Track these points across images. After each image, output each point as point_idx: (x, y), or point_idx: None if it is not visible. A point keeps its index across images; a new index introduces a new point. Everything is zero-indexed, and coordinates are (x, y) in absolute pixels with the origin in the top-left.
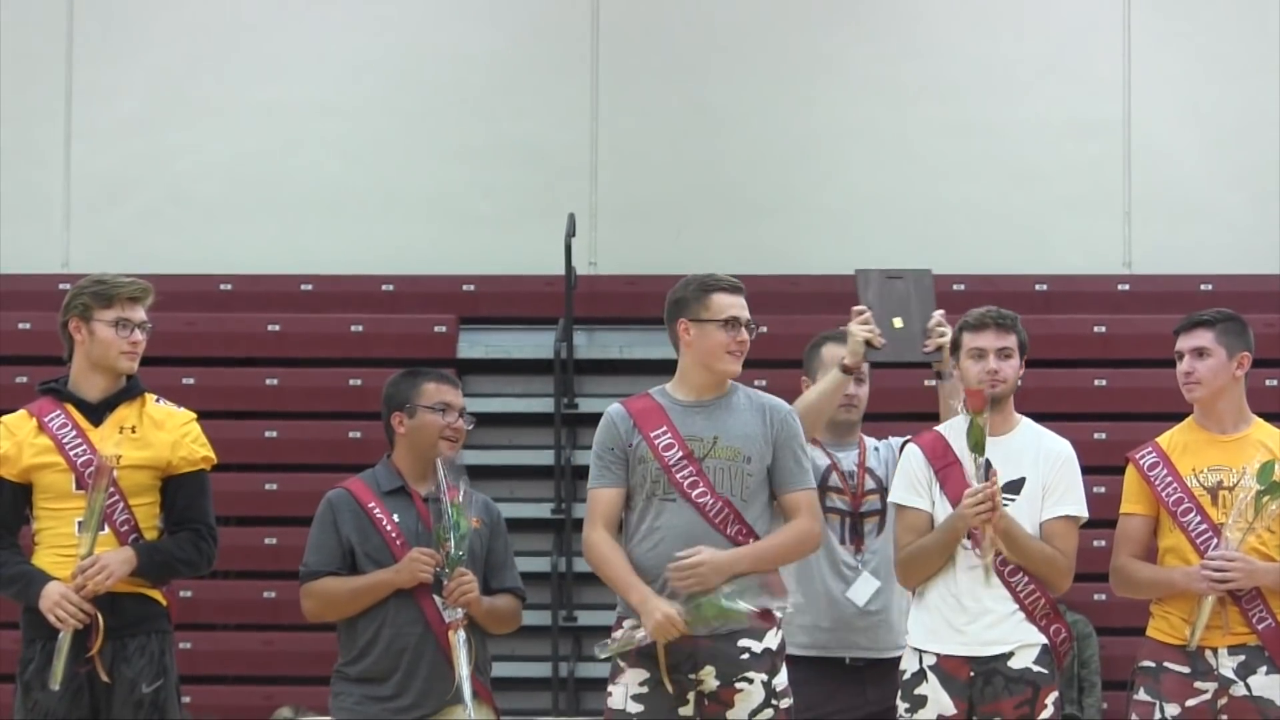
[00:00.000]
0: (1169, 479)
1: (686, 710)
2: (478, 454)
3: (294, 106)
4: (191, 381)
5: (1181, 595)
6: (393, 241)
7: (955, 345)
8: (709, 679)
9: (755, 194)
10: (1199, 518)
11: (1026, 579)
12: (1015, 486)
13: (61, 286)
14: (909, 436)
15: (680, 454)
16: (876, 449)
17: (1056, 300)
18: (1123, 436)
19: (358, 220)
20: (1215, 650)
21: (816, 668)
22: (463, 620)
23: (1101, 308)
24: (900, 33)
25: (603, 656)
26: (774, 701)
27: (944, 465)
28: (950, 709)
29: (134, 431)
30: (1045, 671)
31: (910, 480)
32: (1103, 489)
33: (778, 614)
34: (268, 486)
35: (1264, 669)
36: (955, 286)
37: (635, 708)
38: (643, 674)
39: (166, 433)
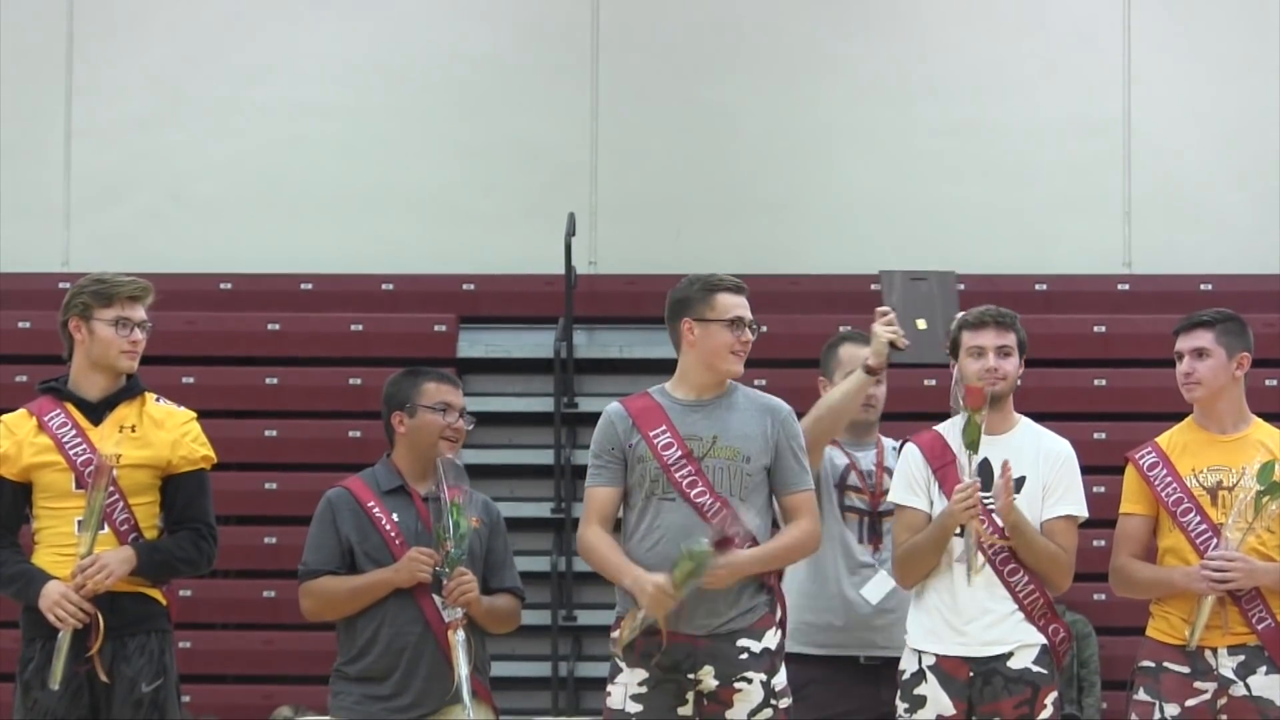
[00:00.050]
0: (1168, 479)
1: (685, 710)
2: (477, 453)
3: (294, 105)
4: (191, 380)
5: (1181, 595)
6: (393, 241)
7: (955, 344)
8: (708, 679)
9: (756, 193)
10: (1198, 518)
11: (1026, 578)
12: (1015, 485)
13: (61, 285)
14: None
15: (679, 453)
16: (895, 449)
17: (1057, 300)
18: (1122, 436)
19: (358, 219)
20: (1215, 650)
21: (831, 667)
22: (462, 620)
23: (1101, 308)
24: (900, 32)
25: (619, 649)
26: (773, 701)
27: (942, 465)
28: (949, 709)
29: (134, 431)
30: (1044, 671)
31: (908, 479)
32: (1102, 489)
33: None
34: (267, 486)
35: (1264, 669)
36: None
37: (634, 707)
38: (642, 674)
39: (166, 432)
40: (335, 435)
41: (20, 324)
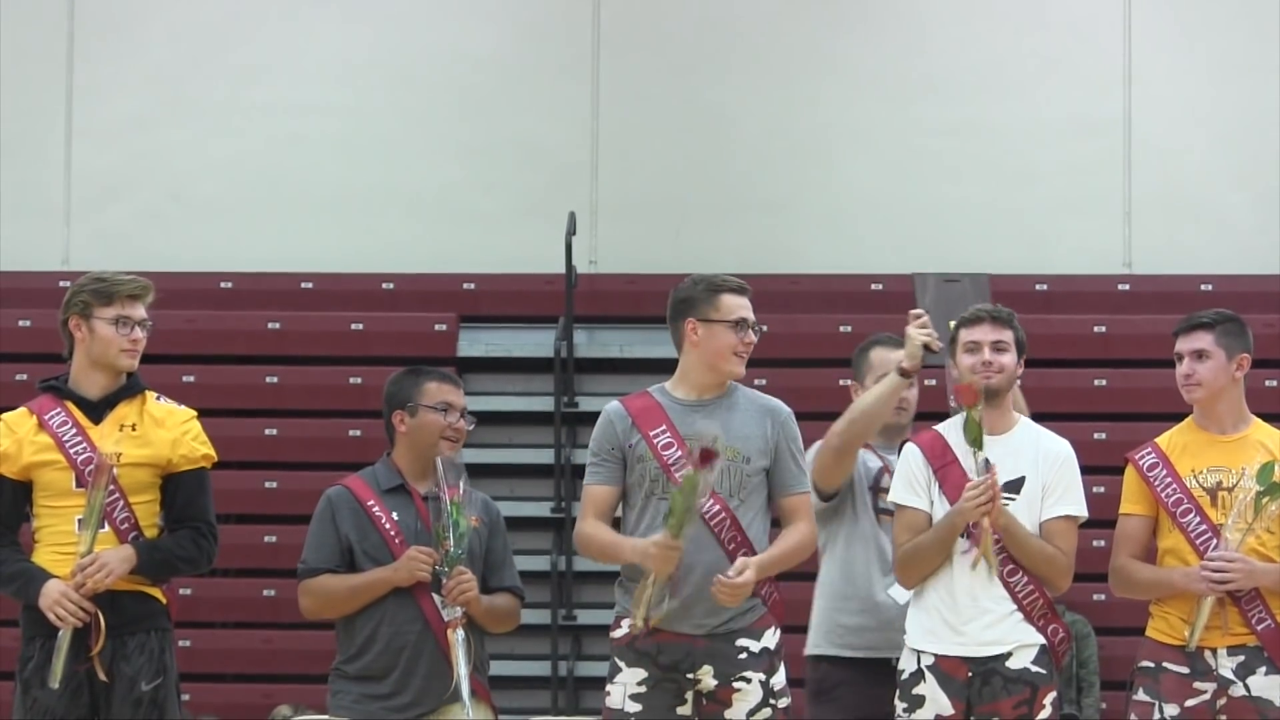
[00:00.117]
0: (1168, 479)
1: (684, 710)
2: (477, 452)
3: (294, 105)
4: (192, 379)
5: (1181, 596)
6: (393, 240)
7: (952, 343)
8: (706, 678)
9: (756, 193)
10: (1198, 518)
11: (1025, 579)
12: (1015, 486)
13: (62, 284)
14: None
15: (679, 453)
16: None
17: (1056, 300)
18: (1122, 437)
19: (358, 218)
20: (1214, 651)
21: (863, 668)
22: (461, 619)
23: (1101, 308)
24: (901, 32)
25: (640, 622)
26: (772, 701)
27: (942, 465)
28: (948, 709)
29: (134, 429)
30: (1043, 672)
31: (908, 480)
32: (1102, 489)
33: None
34: (267, 484)
35: (1263, 669)
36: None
37: (633, 707)
38: (641, 673)
39: (167, 430)
40: (335, 434)
41: (20, 322)
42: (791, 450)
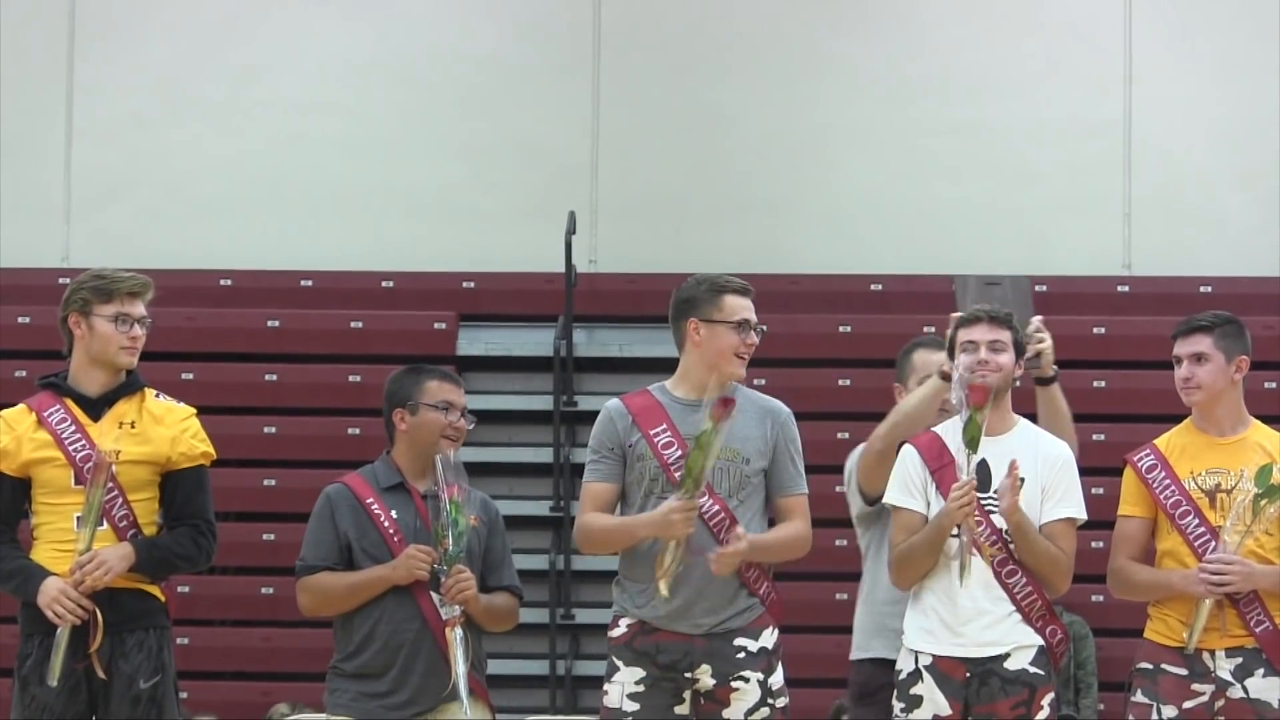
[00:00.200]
0: (1167, 481)
1: (682, 709)
2: (476, 451)
3: (294, 103)
4: (191, 377)
5: (1179, 598)
6: (393, 238)
7: (951, 343)
8: (705, 678)
9: (756, 193)
10: (1197, 520)
11: (1024, 580)
12: None
13: (61, 281)
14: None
15: (679, 452)
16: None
17: (1056, 301)
18: (1121, 438)
19: (358, 217)
20: (1213, 652)
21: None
22: (460, 617)
23: (1101, 309)
24: (900, 32)
25: (665, 587)
26: (770, 700)
27: (940, 466)
28: (945, 709)
29: (133, 427)
30: (1041, 672)
31: (905, 481)
32: (1101, 490)
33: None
34: (267, 482)
35: (1261, 671)
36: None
37: (631, 706)
38: (639, 672)
39: (166, 428)
40: (334, 432)
41: (20, 319)
42: (790, 451)
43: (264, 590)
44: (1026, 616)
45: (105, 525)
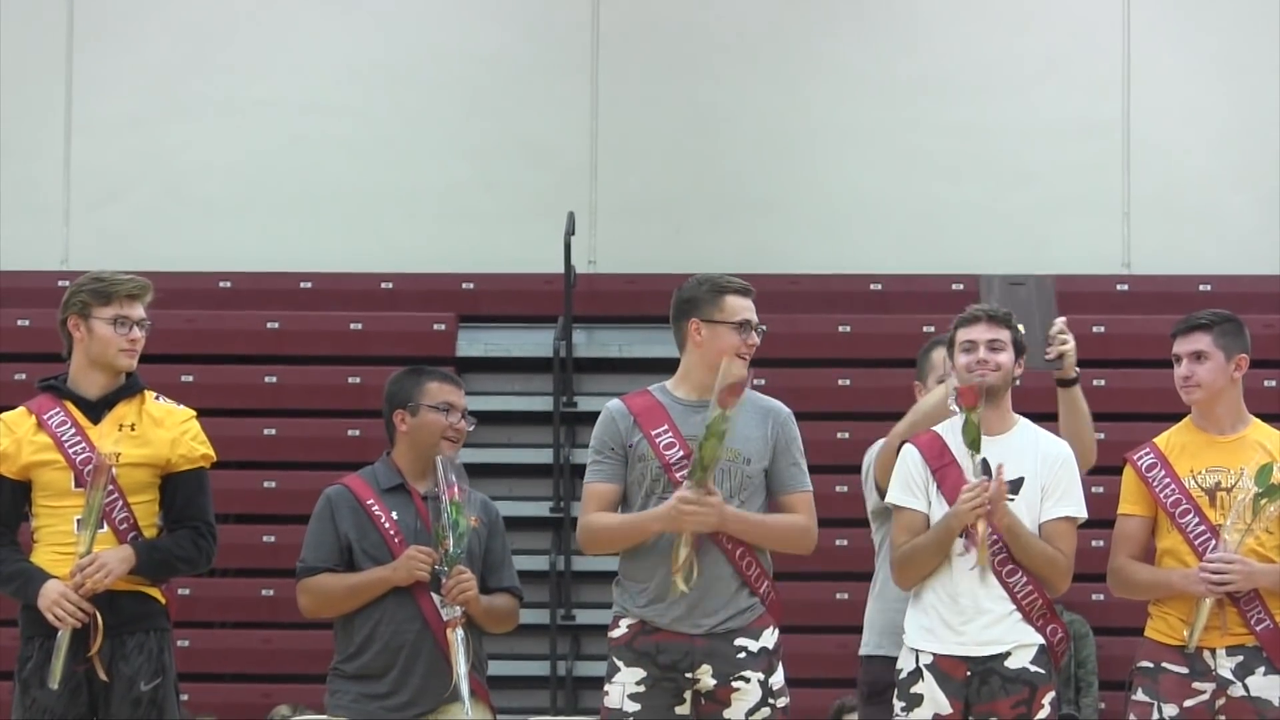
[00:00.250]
0: (1167, 480)
1: (683, 709)
2: (476, 452)
3: (294, 104)
4: (190, 379)
5: (1180, 596)
6: (392, 239)
7: (950, 344)
8: (705, 678)
9: (755, 193)
10: (1197, 519)
11: (1024, 579)
12: (1014, 486)
13: (61, 283)
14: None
15: (681, 453)
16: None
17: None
18: (1121, 437)
19: (357, 218)
20: (1213, 651)
21: None
22: (461, 618)
23: (1100, 308)
24: (900, 32)
25: (683, 585)
26: (771, 700)
27: (941, 466)
28: (946, 708)
29: (133, 429)
30: (1042, 671)
31: (906, 481)
32: (1101, 489)
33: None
34: (266, 484)
35: (1262, 669)
36: (954, 286)
37: (632, 706)
38: (640, 673)
39: (166, 430)
40: (334, 434)
41: (20, 322)
42: (791, 450)
43: (264, 592)
44: (1027, 615)
45: (105, 528)
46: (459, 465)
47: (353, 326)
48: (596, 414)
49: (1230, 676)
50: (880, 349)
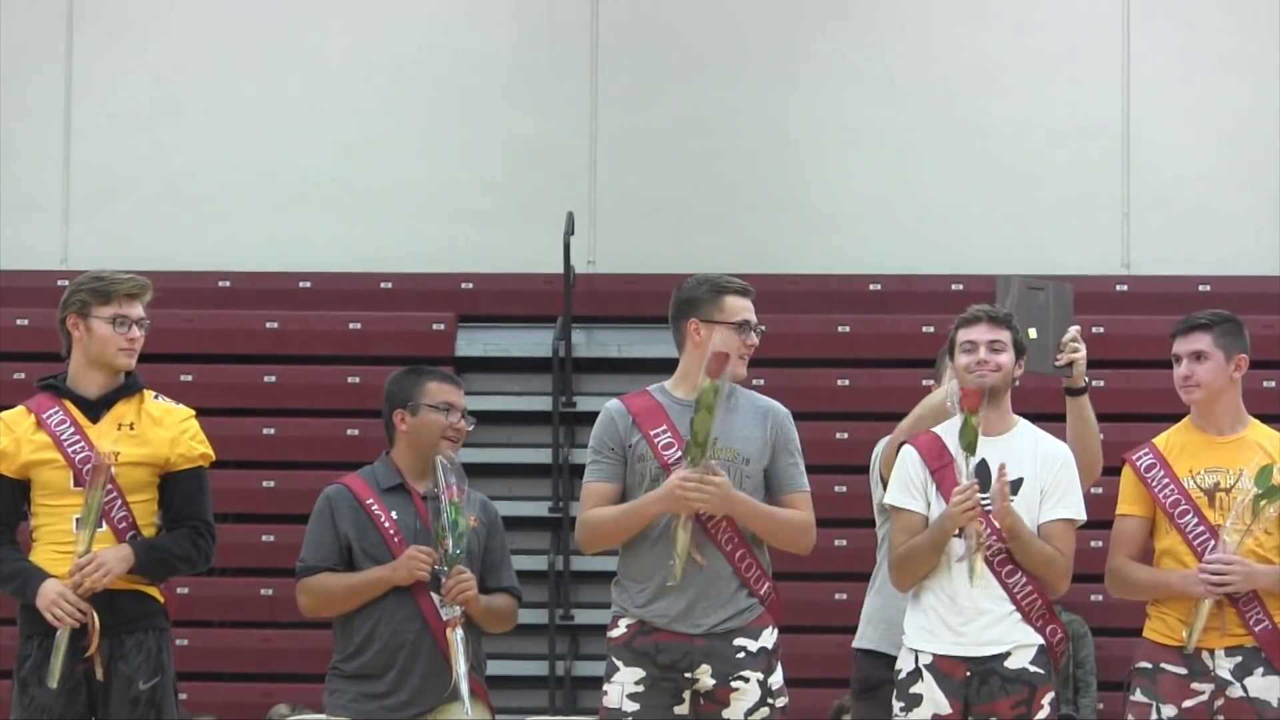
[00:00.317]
0: (1166, 480)
1: (682, 709)
2: (475, 452)
3: (293, 103)
4: (190, 378)
5: (1179, 597)
6: (392, 239)
7: (951, 344)
8: (704, 678)
9: (755, 193)
10: (1196, 519)
11: (1024, 579)
12: (1013, 487)
13: (60, 283)
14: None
15: (679, 453)
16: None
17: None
18: (1120, 437)
19: (357, 217)
20: (1212, 652)
21: None
22: (460, 618)
23: (1100, 308)
24: (900, 33)
25: (678, 571)
26: (770, 700)
27: (940, 466)
28: (945, 708)
29: (132, 428)
30: (1042, 672)
31: (905, 482)
32: (1100, 490)
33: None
34: (266, 484)
35: (1260, 670)
36: (954, 286)
37: (631, 706)
38: (638, 673)
39: (165, 429)
40: (333, 433)
41: (19, 321)
42: (789, 449)
43: (263, 591)
44: (1027, 616)
45: (104, 527)
46: (459, 465)
47: (352, 326)
48: (596, 414)
49: (1229, 677)
50: (879, 349)
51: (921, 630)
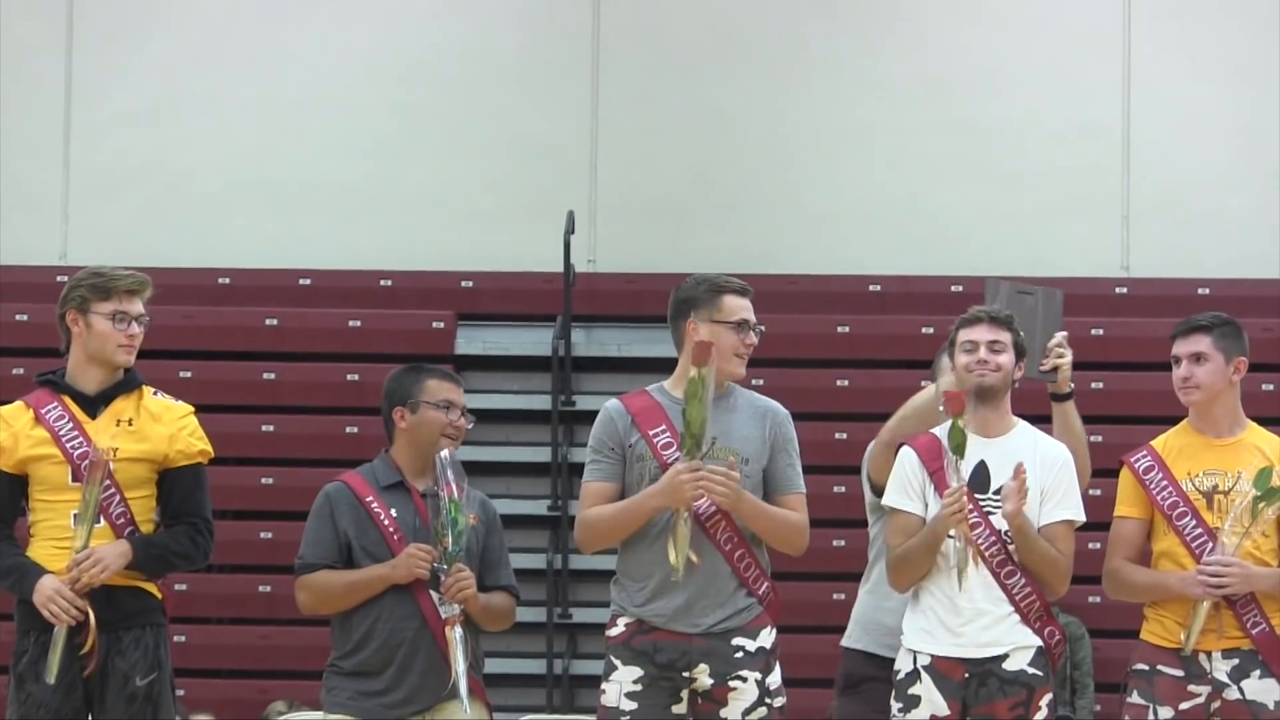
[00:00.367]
0: (1164, 482)
1: (680, 708)
2: (474, 450)
3: (293, 101)
4: (189, 375)
5: (1176, 599)
6: (391, 237)
7: (951, 345)
8: (702, 677)
9: (754, 193)
10: (1194, 521)
11: (1023, 580)
12: None
13: (60, 279)
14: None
15: (679, 454)
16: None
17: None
18: (1119, 439)
19: (356, 215)
20: (1209, 654)
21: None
22: (460, 616)
23: (1099, 311)
24: (900, 34)
25: (679, 565)
26: (767, 700)
27: (937, 467)
28: (944, 709)
29: (131, 424)
30: (1040, 673)
31: (902, 483)
32: (1098, 492)
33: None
34: (264, 481)
35: (1257, 673)
36: (953, 288)
37: (629, 705)
38: (636, 671)
39: (163, 426)
40: (332, 431)
41: (18, 317)
42: (787, 450)
43: (261, 588)
44: (1025, 617)
45: (102, 523)
46: (458, 463)
47: (351, 324)
48: (595, 413)
49: (1225, 680)
50: (879, 350)
51: (920, 631)
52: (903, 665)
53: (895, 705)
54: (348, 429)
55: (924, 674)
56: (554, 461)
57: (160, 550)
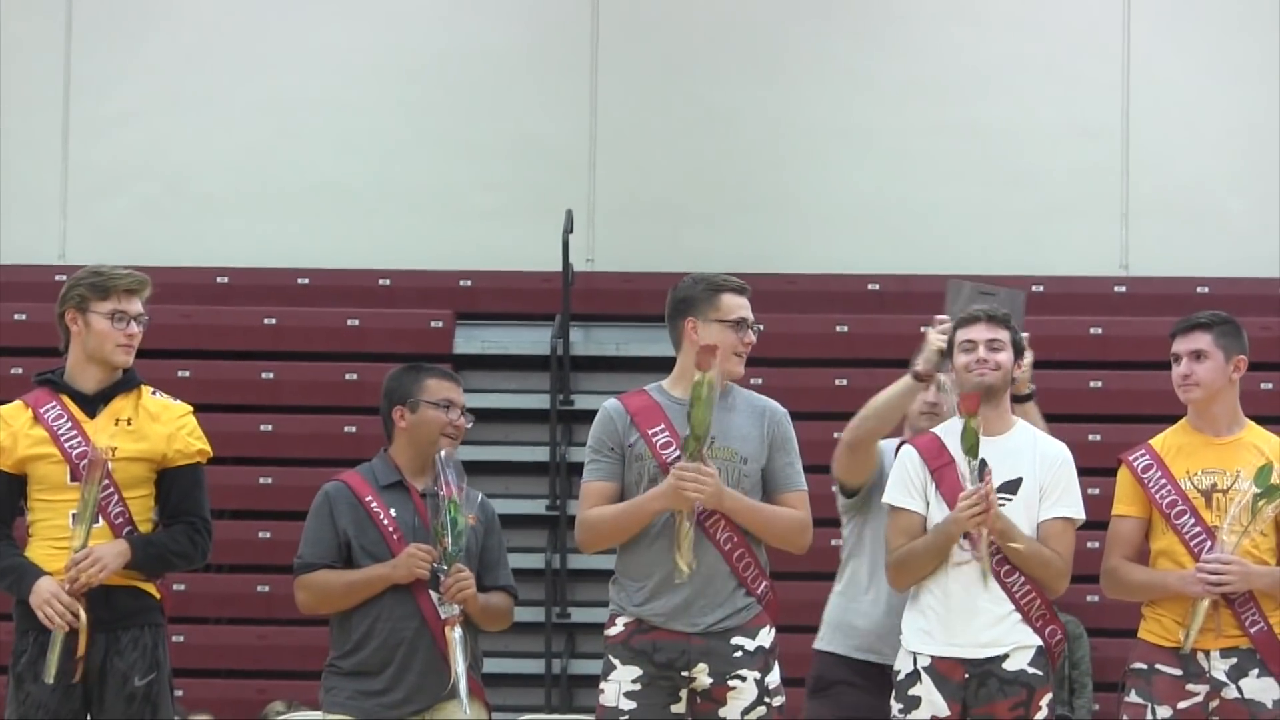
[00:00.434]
0: (1163, 481)
1: (679, 708)
2: (472, 449)
3: (292, 100)
4: (187, 374)
5: (1175, 598)
6: (390, 236)
7: (950, 345)
8: (701, 677)
9: (753, 192)
10: (1193, 520)
11: (1023, 580)
12: (1012, 487)
13: (58, 278)
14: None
15: (678, 453)
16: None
17: (1052, 302)
18: (1118, 438)
19: (355, 214)
20: (1207, 653)
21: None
22: (459, 616)
23: (1098, 309)
24: (899, 34)
25: (685, 567)
26: (766, 699)
27: (939, 466)
28: (944, 710)
29: (129, 424)
30: (1040, 673)
31: (904, 482)
32: (1097, 491)
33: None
34: (263, 480)
35: (1255, 672)
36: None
37: (628, 705)
38: (635, 671)
39: (162, 425)
40: (331, 430)
41: (16, 316)
42: (786, 448)
43: (260, 588)
44: (1026, 617)
45: (101, 522)
46: (458, 463)
47: (350, 323)
48: (593, 412)
49: (1224, 679)
50: (877, 349)
51: (920, 632)
52: (903, 666)
53: (895, 706)
54: (346, 428)
55: (924, 675)
56: (552, 461)
57: (159, 550)
